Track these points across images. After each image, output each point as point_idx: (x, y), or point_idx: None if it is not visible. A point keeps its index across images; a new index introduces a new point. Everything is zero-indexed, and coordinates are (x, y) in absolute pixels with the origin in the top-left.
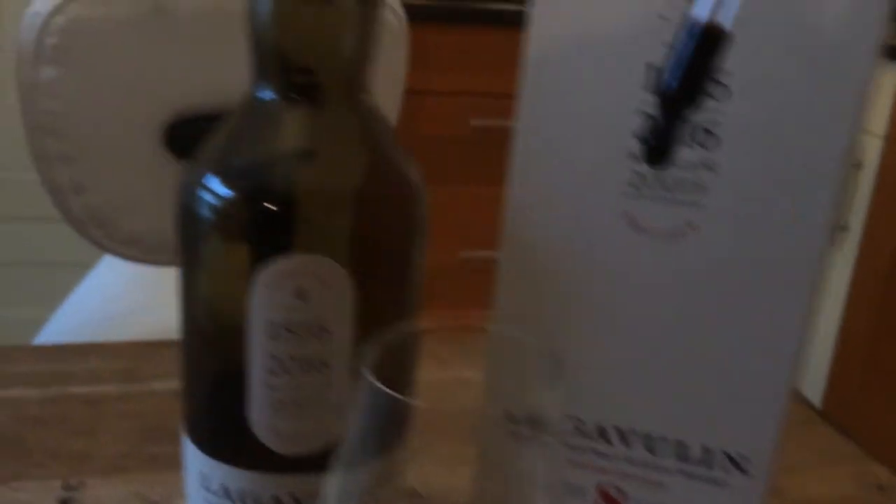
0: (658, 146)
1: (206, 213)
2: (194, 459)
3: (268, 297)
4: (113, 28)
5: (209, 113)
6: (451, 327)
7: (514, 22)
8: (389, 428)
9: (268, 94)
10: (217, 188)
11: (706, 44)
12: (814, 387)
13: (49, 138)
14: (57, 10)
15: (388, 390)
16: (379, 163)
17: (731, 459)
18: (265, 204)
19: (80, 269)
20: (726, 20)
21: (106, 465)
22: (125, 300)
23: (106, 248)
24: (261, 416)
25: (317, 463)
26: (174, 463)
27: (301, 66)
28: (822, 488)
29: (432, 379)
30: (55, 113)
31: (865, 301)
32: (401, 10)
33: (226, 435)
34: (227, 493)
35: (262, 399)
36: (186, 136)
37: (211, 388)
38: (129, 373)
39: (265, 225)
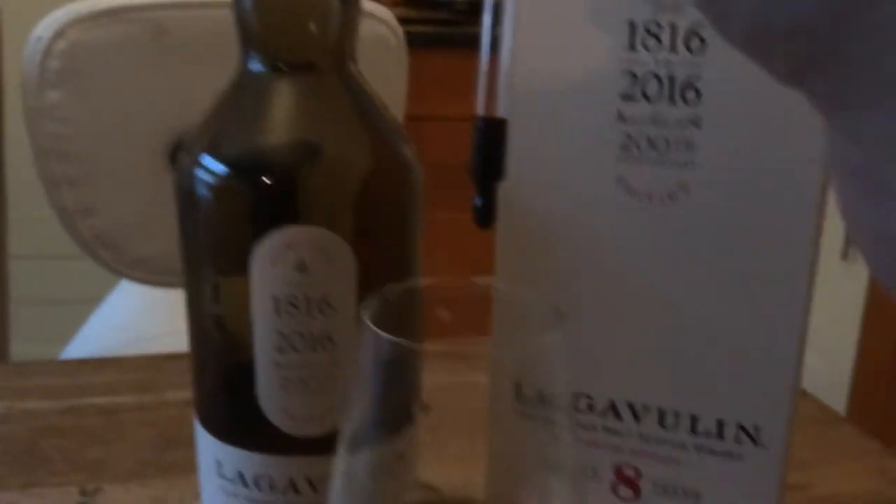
0: (485, 213)
1: (203, 191)
2: (207, 447)
3: (269, 271)
4: (115, 50)
5: None
6: (456, 284)
7: None
8: (395, 381)
9: (257, 67)
10: (212, 166)
11: (491, 132)
12: (836, 400)
13: (55, 162)
14: (59, 34)
15: (390, 336)
16: (373, 133)
17: (744, 431)
18: (261, 178)
19: (93, 304)
20: (501, 111)
21: (123, 472)
22: (138, 328)
23: (115, 271)
24: (270, 397)
25: (330, 444)
26: (190, 468)
27: (288, 37)
28: (845, 484)
29: (442, 382)
30: (61, 136)
31: (884, 313)
32: (399, 29)
33: (237, 418)
34: (241, 478)
35: (271, 378)
36: None
37: (220, 371)
38: (145, 384)
39: (262, 199)
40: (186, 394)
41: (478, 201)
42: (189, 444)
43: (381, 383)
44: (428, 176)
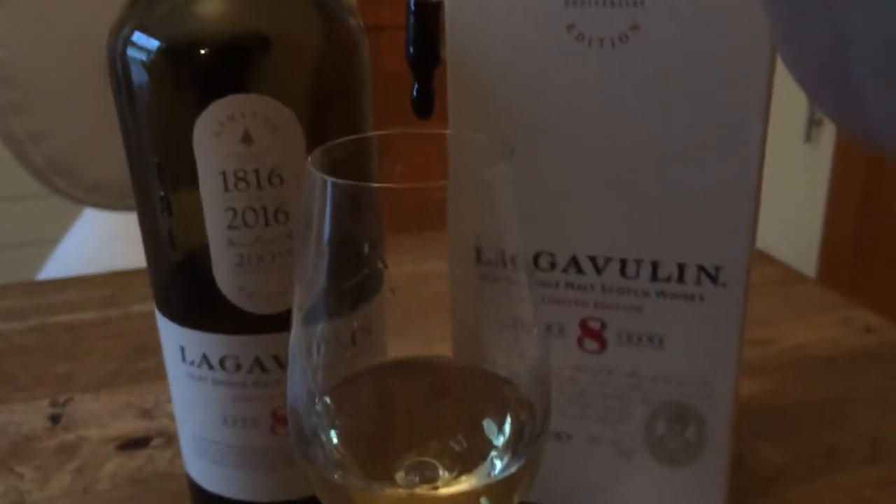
0: (421, 102)
1: (138, 72)
2: (170, 334)
3: (214, 145)
4: None
5: None
6: (406, 133)
7: None
8: (347, 235)
9: None
10: (144, 42)
11: (424, 16)
12: (807, 266)
13: (0, 88)
14: None
15: (336, 179)
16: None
17: (705, 272)
18: (196, 48)
19: (51, 246)
20: None
21: (93, 383)
22: (102, 260)
23: (73, 198)
24: (227, 276)
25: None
26: (162, 374)
27: None
28: (809, 335)
29: (407, 271)
30: (4, 61)
31: (849, 194)
32: None
33: (196, 301)
34: (206, 361)
35: (226, 257)
36: None
37: (175, 255)
38: (110, 300)
39: (199, 70)
40: (152, 305)
41: (414, 91)
42: (158, 352)
43: (333, 238)
44: (384, 86)
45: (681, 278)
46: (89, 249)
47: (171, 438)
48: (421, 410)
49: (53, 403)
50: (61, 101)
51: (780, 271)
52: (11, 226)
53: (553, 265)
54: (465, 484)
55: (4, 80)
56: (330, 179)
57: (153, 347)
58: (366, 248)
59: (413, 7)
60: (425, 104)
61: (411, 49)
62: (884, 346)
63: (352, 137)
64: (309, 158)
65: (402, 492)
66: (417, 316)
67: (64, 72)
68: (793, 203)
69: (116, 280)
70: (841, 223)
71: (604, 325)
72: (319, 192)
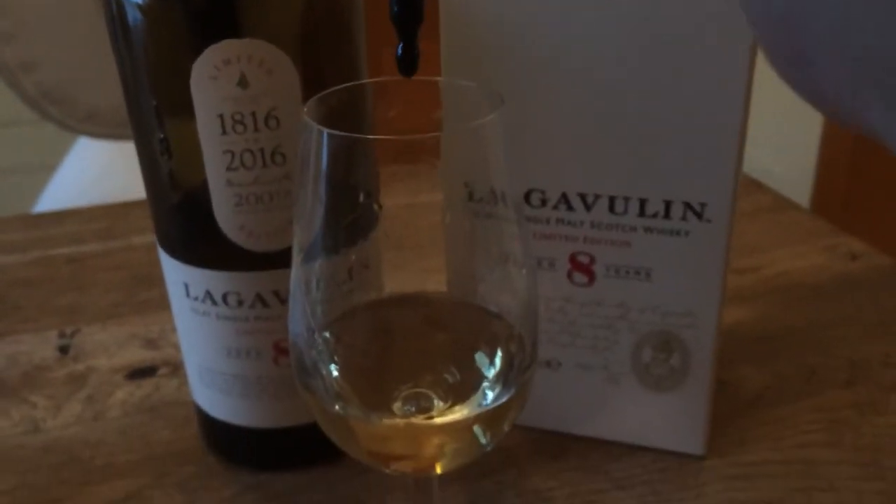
0: (406, 59)
1: (133, 14)
2: (174, 272)
3: (211, 89)
4: None
5: None
6: (399, 80)
7: None
8: (343, 181)
9: None
10: None
11: None
12: (802, 190)
13: None
14: None
15: (330, 129)
16: None
17: (690, 208)
18: None
19: (47, 172)
20: None
21: (98, 314)
22: (99, 189)
23: (67, 127)
24: (227, 215)
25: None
26: (164, 304)
27: None
28: (795, 262)
29: (401, 202)
30: None
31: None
32: None
33: (198, 240)
34: (210, 297)
35: (225, 197)
36: None
37: (176, 196)
38: (109, 232)
39: (195, 14)
40: (152, 237)
41: (399, 49)
42: (159, 283)
43: (329, 184)
44: (381, 16)
45: (667, 214)
46: (86, 177)
47: (176, 367)
48: (416, 344)
49: (61, 335)
50: (52, 29)
51: (769, 199)
52: (6, 152)
53: (544, 202)
54: (458, 413)
55: None
56: (326, 131)
57: (154, 278)
58: (361, 194)
59: None
60: (410, 62)
61: (395, 8)
62: (867, 272)
63: (346, 85)
64: (304, 108)
65: (399, 421)
66: (413, 248)
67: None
68: (788, 127)
69: (114, 212)
70: (836, 147)
71: (593, 259)
72: (315, 141)
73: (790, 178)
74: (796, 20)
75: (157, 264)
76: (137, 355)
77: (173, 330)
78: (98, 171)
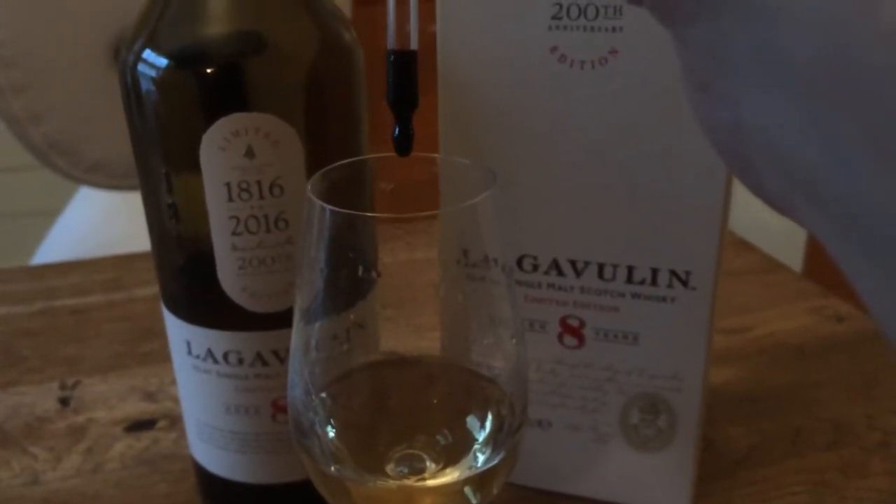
0: (402, 140)
1: (147, 86)
2: (177, 330)
3: (219, 159)
4: None
5: None
6: (400, 160)
7: None
8: (343, 253)
9: None
10: (154, 59)
11: (402, 64)
12: (793, 256)
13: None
14: None
15: (333, 207)
16: (314, 18)
17: (676, 276)
18: (203, 68)
19: (49, 217)
20: (413, 43)
21: (100, 365)
22: (101, 236)
23: (73, 178)
24: (230, 278)
25: (292, 319)
26: (165, 357)
27: None
28: (782, 323)
29: (399, 259)
30: (3, 42)
31: None
32: None
33: (202, 300)
34: (211, 355)
35: (229, 260)
36: None
37: (181, 258)
38: (113, 283)
39: (206, 89)
40: (155, 289)
41: (395, 131)
42: (161, 335)
43: (330, 255)
44: (379, 62)
45: (654, 281)
46: (88, 225)
47: (174, 420)
48: (410, 406)
49: (62, 386)
50: (62, 81)
51: (758, 259)
52: (8, 197)
53: (536, 267)
54: (449, 476)
55: (4, 60)
56: (328, 208)
57: (157, 331)
58: (360, 264)
59: (392, 57)
60: (405, 143)
61: (391, 93)
62: (853, 334)
63: (348, 161)
64: (308, 184)
65: (392, 483)
66: (409, 305)
67: (64, 52)
68: None
69: (119, 263)
70: None
71: (582, 323)
72: (318, 216)
73: (785, 232)
74: (738, 137)
75: (159, 316)
76: (137, 408)
77: (172, 383)
78: (100, 219)
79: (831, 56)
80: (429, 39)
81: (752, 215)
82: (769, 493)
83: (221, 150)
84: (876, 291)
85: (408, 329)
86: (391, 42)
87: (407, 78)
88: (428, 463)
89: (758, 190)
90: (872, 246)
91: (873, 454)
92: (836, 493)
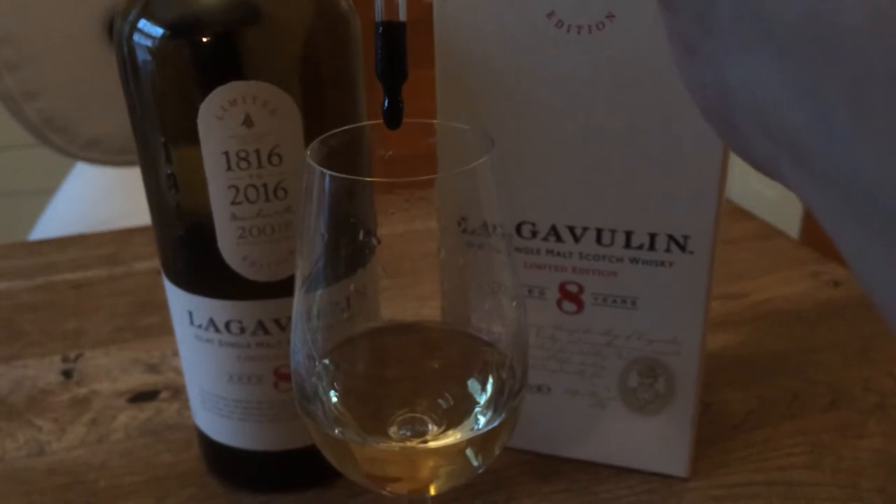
0: (391, 113)
1: (143, 56)
2: (178, 300)
3: (217, 128)
4: None
5: None
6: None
7: None
8: (343, 220)
9: None
10: (149, 29)
11: (391, 36)
12: (790, 224)
13: None
14: None
15: (332, 172)
16: None
17: (674, 241)
18: (199, 36)
19: (45, 196)
20: (402, 15)
21: (101, 338)
22: (98, 212)
23: (69, 154)
24: (230, 247)
25: (292, 286)
26: (166, 330)
27: None
28: (780, 289)
29: (398, 230)
30: None
31: None
32: None
33: (203, 270)
34: (213, 324)
35: (229, 230)
36: None
37: (182, 229)
38: (113, 258)
39: (202, 58)
40: (154, 263)
41: (385, 103)
42: (161, 308)
43: (330, 221)
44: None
45: (652, 246)
46: (85, 201)
47: (177, 391)
48: (412, 371)
49: (65, 359)
50: (56, 57)
51: (756, 226)
52: (4, 175)
53: (534, 234)
54: (451, 437)
55: None
56: (328, 173)
57: (157, 304)
58: (360, 229)
59: (381, 29)
60: (395, 115)
61: (380, 66)
62: (849, 299)
63: (346, 128)
64: (308, 150)
65: (395, 445)
66: (409, 275)
67: (57, 27)
68: None
69: (118, 238)
70: None
71: (581, 289)
72: (318, 182)
73: (781, 202)
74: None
75: (159, 290)
76: (139, 379)
77: (174, 354)
78: (97, 195)
79: (815, 15)
80: (424, 10)
81: (748, 185)
82: (767, 454)
83: (219, 120)
84: (859, 252)
85: (407, 298)
86: (379, 13)
87: (396, 50)
88: (430, 425)
89: (744, 153)
90: (854, 204)
91: (870, 416)
92: (834, 454)
